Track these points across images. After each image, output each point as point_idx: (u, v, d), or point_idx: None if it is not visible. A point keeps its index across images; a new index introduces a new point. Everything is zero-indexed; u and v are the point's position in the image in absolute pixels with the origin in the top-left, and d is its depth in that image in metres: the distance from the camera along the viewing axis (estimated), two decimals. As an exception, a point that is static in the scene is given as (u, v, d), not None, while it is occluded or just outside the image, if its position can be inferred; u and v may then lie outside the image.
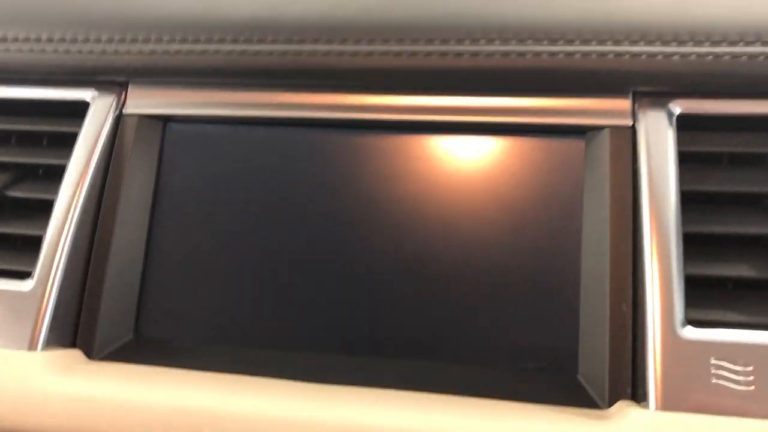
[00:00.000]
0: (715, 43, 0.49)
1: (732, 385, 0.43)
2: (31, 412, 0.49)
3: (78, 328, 0.55)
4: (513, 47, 0.51)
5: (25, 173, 0.60)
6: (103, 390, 0.49)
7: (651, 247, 0.47)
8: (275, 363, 0.53)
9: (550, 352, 0.51)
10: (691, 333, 0.45)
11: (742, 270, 0.48)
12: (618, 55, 0.50)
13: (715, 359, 0.44)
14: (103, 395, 0.49)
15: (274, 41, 0.53)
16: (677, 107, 0.51)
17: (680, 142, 0.50)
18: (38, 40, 0.57)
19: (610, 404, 0.47)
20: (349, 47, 0.52)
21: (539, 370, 0.51)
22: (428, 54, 0.51)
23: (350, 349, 0.53)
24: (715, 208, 0.50)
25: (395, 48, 0.52)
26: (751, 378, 0.44)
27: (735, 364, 0.44)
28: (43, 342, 0.52)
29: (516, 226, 0.53)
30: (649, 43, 0.50)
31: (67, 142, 0.58)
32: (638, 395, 0.46)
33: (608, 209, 0.50)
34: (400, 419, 0.45)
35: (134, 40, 0.56)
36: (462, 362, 0.51)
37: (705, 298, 0.48)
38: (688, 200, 0.49)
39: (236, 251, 0.56)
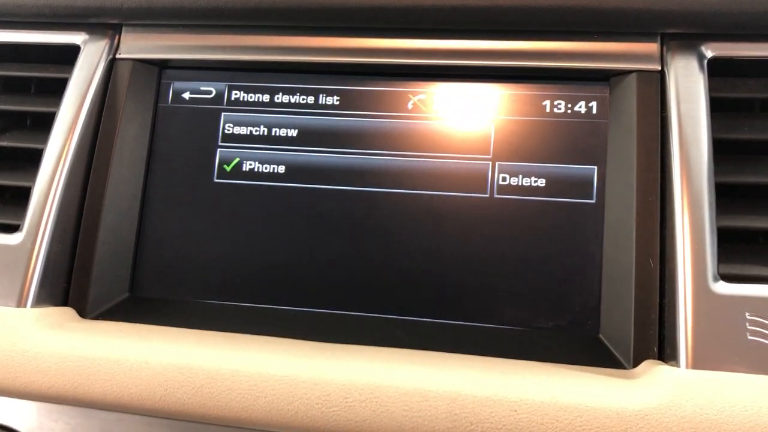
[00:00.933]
0: (752, -20, 0.46)
1: (769, 342, 0.41)
2: (21, 370, 0.46)
3: (70, 284, 0.52)
4: (535, -16, 0.47)
5: (12, 122, 0.56)
6: (98, 349, 0.46)
7: (681, 199, 0.45)
8: (277, 321, 0.50)
9: (570, 310, 0.48)
10: (723, 288, 0.43)
11: (777, 222, 0.45)
12: (647, -8, 0.47)
13: (750, 315, 0.42)
14: (97, 354, 0.46)
15: (278, -22, 0.50)
16: (709, 50, 0.48)
17: (712, 87, 0.47)
18: (24, -22, 0.54)
19: (635, 364, 0.44)
20: (360, -16, 0.49)
21: (558, 329, 0.48)
22: (444, -9, 0.48)
23: (359, 307, 0.50)
24: (748, 157, 0.47)
25: (409, -15, 0.48)
26: (789, 335, 0.41)
27: (771, 320, 0.41)
28: (33, 298, 0.49)
29: (535, 177, 0.50)
30: (681, -20, 0.46)
31: (57, 88, 0.54)
32: (666, 354, 0.43)
33: (634, 159, 0.47)
34: (414, 378, 0.42)
35: (127, -22, 0.52)
36: (477, 321, 0.49)
37: (736, 252, 0.45)
38: (719, 149, 0.46)
39: (237, 205, 0.53)
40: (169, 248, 0.53)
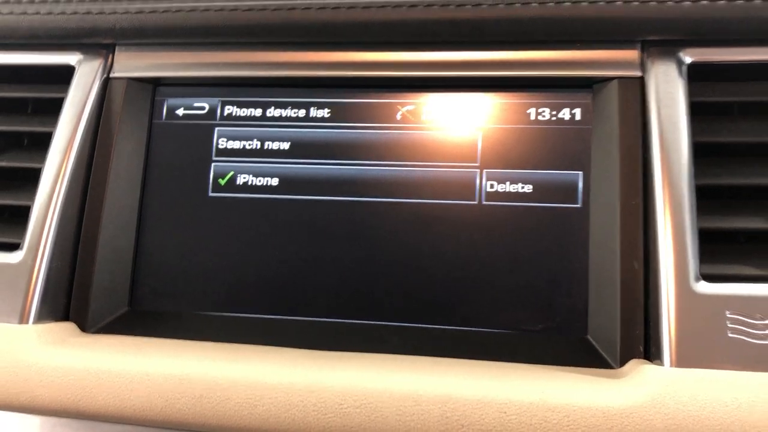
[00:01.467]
0: (727, -13, 0.47)
1: (749, 339, 0.42)
2: (25, 385, 0.47)
3: (70, 300, 0.53)
4: (516, -4, 0.49)
5: (10, 142, 0.57)
6: (99, 362, 0.47)
7: (663, 201, 0.46)
8: (274, 330, 0.51)
9: (558, 312, 0.49)
10: (705, 287, 0.44)
11: (756, 222, 0.47)
12: (626, 1, 0.48)
13: (731, 313, 0.43)
14: (98, 367, 0.47)
15: (267, -4, 0.51)
16: (688, 56, 0.49)
17: (691, 92, 0.48)
18: (19, 1, 0.55)
19: (622, 363, 0.45)
20: (346, 0, 0.50)
21: (547, 332, 0.49)
22: (429, 5, 0.49)
23: (352, 314, 0.51)
24: (727, 159, 0.49)
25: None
26: (768, 331, 0.42)
27: (751, 317, 0.43)
28: (35, 315, 0.50)
29: (522, 184, 0.51)
30: (658, -11, 0.48)
31: (53, 108, 0.56)
32: (651, 353, 0.45)
33: (618, 163, 0.48)
34: (406, 383, 0.43)
35: (120, -1, 0.53)
36: (467, 325, 0.50)
37: (717, 252, 0.46)
38: (699, 152, 0.47)
39: (232, 218, 0.54)
40: (166, 262, 0.54)
